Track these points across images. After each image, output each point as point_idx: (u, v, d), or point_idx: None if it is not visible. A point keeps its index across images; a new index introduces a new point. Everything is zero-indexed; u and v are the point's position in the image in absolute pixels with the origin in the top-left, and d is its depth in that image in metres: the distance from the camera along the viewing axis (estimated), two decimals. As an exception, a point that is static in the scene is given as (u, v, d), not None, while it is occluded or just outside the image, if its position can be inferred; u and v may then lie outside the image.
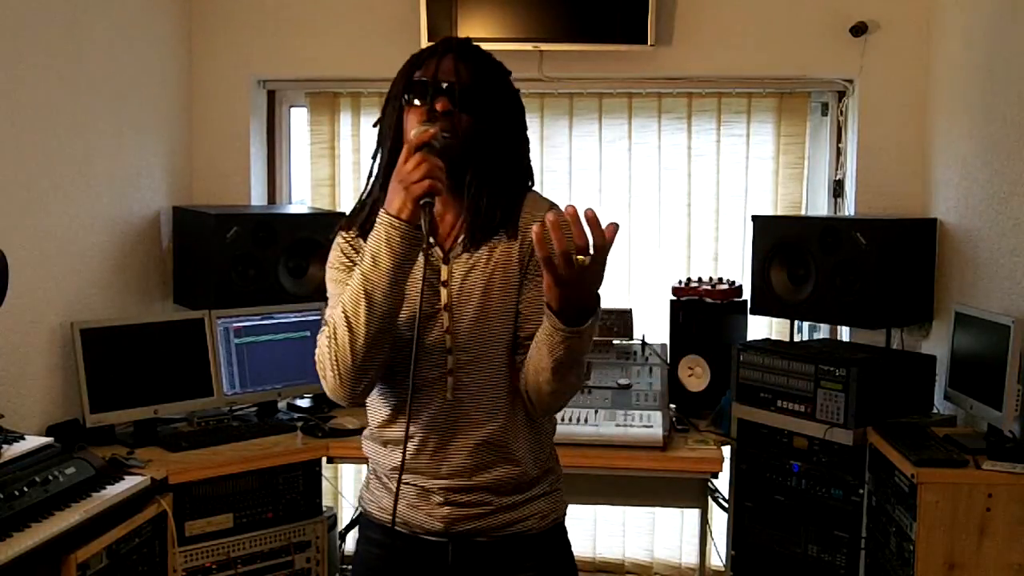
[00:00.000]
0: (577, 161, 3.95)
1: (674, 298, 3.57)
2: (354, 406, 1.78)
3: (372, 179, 1.78)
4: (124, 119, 3.45)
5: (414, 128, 1.63)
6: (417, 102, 1.67)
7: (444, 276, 1.69)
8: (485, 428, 1.72)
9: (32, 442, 2.51)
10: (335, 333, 1.63)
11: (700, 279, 3.60)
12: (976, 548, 2.45)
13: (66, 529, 2.32)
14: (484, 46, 3.88)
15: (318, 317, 3.51)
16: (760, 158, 3.87)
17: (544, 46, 3.70)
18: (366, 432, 1.87)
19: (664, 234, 3.92)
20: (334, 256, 1.77)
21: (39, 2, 2.96)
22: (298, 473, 3.09)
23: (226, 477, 2.93)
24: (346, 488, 4.08)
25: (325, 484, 3.29)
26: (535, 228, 1.48)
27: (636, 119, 3.90)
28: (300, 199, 4.21)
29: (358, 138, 4.02)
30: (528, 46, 3.68)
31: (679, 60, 3.76)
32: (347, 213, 1.84)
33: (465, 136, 1.67)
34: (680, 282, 3.60)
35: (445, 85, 1.66)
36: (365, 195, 1.78)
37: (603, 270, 1.57)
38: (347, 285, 1.65)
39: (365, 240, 1.65)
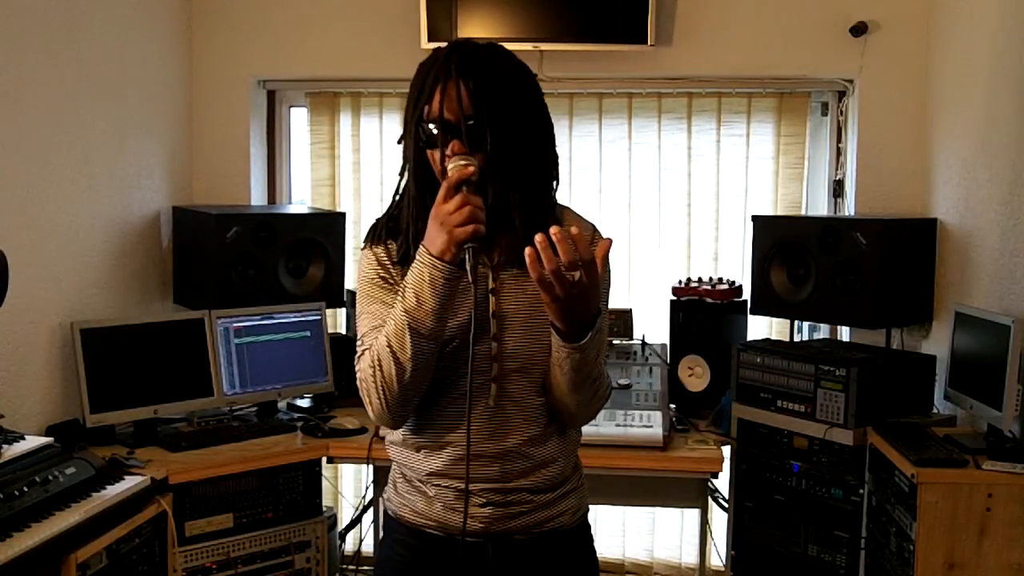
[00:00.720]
0: (577, 161, 3.95)
1: (674, 298, 3.57)
2: (397, 428, 1.81)
3: (399, 197, 1.79)
4: (124, 119, 3.45)
5: (444, 161, 1.65)
6: (432, 145, 1.68)
7: (492, 285, 1.70)
8: (525, 433, 1.76)
9: (32, 442, 2.51)
10: (379, 364, 1.67)
11: (700, 279, 3.60)
12: (976, 548, 2.45)
13: (66, 529, 2.32)
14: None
15: (318, 317, 3.51)
16: (760, 158, 3.87)
17: (544, 46, 3.70)
18: (394, 437, 1.85)
19: (664, 234, 3.92)
20: (367, 271, 1.78)
21: (39, 2, 2.96)
22: (298, 473, 3.10)
23: (226, 477, 2.93)
24: (346, 488, 4.08)
25: (325, 484, 3.29)
26: (527, 251, 1.50)
27: (636, 119, 3.91)
28: (300, 199, 4.21)
29: (358, 138, 4.02)
30: (528, 46, 3.68)
31: (679, 60, 3.76)
32: (372, 225, 1.83)
33: (484, 169, 1.65)
34: (680, 282, 3.60)
35: (458, 126, 1.65)
36: (395, 211, 1.79)
37: (596, 285, 1.58)
38: (381, 302, 1.72)
39: (399, 262, 1.72)
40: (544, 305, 1.60)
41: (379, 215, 1.84)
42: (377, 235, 1.80)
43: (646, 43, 3.62)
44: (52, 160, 3.04)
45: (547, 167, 1.82)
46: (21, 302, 2.84)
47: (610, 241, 1.61)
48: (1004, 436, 2.63)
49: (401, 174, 1.79)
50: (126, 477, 2.65)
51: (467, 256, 1.58)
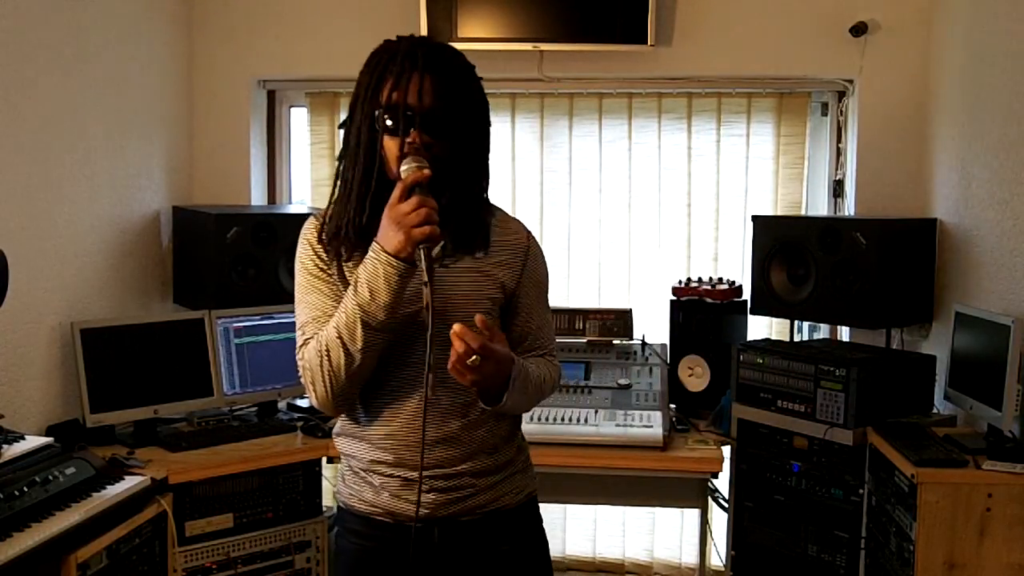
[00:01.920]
0: (577, 161, 3.95)
1: (674, 298, 3.57)
2: (337, 414, 1.91)
3: (339, 187, 1.82)
4: (124, 119, 3.45)
5: (398, 159, 1.70)
6: (390, 131, 1.72)
7: (425, 278, 1.69)
8: (463, 419, 1.82)
9: (32, 442, 2.51)
10: (328, 353, 1.74)
11: (700, 279, 3.60)
12: (976, 548, 2.45)
13: (66, 529, 2.32)
14: (484, 46, 3.89)
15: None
16: (760, 158, 3.87)
17: (544, 46, 3.70)
18: (339, 428, 1.94)
19: (664, 234, 3.92)
20: (305, 260, 1.83)
21: (40, 3, 2.96)
22: (298, 473, 3.10)
23: (226, 477, 2.93)
24: (346, 488, 4.07)
25: (325, 484, 3.28)
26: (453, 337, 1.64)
27: (636, 119, 3.91)
28: (300, 199, 4.21)
29: (358, 138, 4.02)
30: (528, 46, 3.68)
31: (679, 60, 3.76)
32: (314, 214, 1.88)
33: (440, 162, 1.72)
34: (680, 282, 3.60)
35: (417, 113, 1.71)
36: (334, 202, 1.83)
37: (495, 362, 1.70)
38: (321, 293, 1.79)
39: (334, 249, 1.78)
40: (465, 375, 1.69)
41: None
42: (318, 219, 1.84)
43: (646, 43, 3.62)
44: (52, 160, 3.04)
45: (487, 165, 1.88)
46: (21, 302, 2.84)
47: (482, 317, 1.71)
48: (1004, 436, 2.63)
49: (340, 160, 1.82)
50: (126, 477, 2.65)
51: (422, 255, 1.65)
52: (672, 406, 3.43)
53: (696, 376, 3.50)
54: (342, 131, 1.82)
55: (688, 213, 3.89)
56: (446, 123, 1.73)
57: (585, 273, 3.97)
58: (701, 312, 3.50)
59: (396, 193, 1.66)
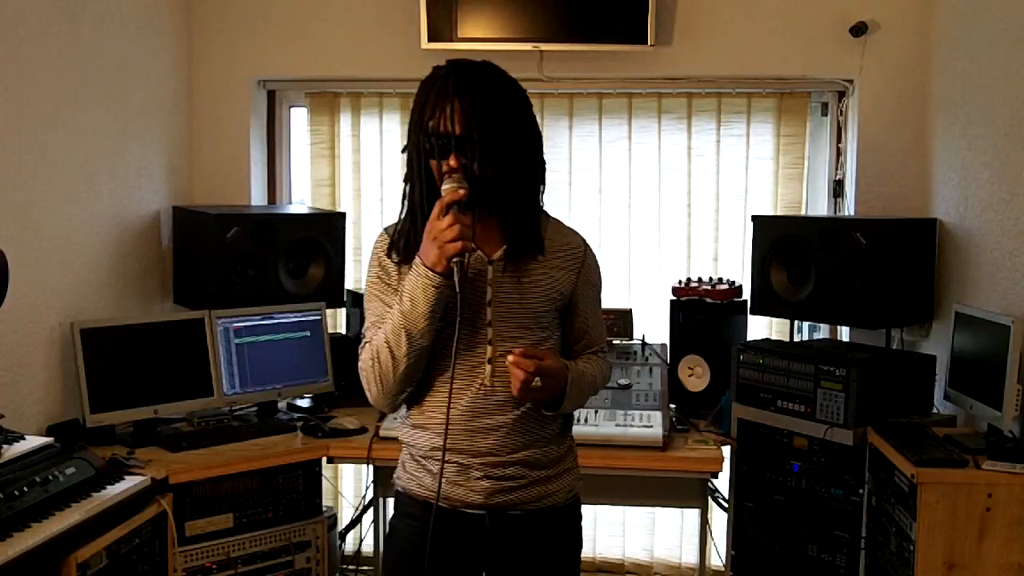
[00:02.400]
0: (577, 161, 3.95)
1: (674, 298, 3.57)
2: (394, 411, 2.07)
3: (405, 206, 1.99)
4: (124, 119, 3.45)
5: (443, 179, 1.87)
6: (431, 155, 1.89)
7: (490, 276, 1.93)
8: (517, 412, 1.96)
9: (32, 442, 2.51)
10: (378, 356, 1.92)
11: (700, 279, 3.59)
12: (976, 548, 2.45)
13: (66, 529, 2.31)
14: (484, 46, 3.89)
15: (318, 317, 3.51)
16: (760, 158, 3.87)
17: (544, 46, 3.70)
18: (401, 418, 2.08)
19: (664, 234, 3.92)
20: (372, 270, 2.03)
21: (40, 3, 2.96)
22: (298, 473, 3.10)
23: (226, 477, 2.93)
24: (346, 488, 4.08)
25: (325, 484, 3.29)
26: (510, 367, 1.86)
27: (636, 119, 3.91)
28: (300, 199, 4.21)
29: (358, 138, 4.02)
30: (528, 46, 3.68)
31: (679, 60, 3.76)
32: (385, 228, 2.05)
33: (481, 180, 1.87)
34: (680, 282, 3.60)
35: (451, 139, 1.86)
36: (401, 220, 1.99)
37: (551, 377, 1.91)
38: (383, 302, 1.97)
39: (403, 263, 1.95)
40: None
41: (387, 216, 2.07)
42: (388, 233, 2.02)
43: (646, 43, 3.62)
44: (52, 160, 3.04)
45: (535, 174, 2.02)
46: (21, 302, 2.84)
47: (522, 349, 1.89)
48: (1004, 436, 2.63)
49: (405, 181, 1.98)
50: (126, 477, 2.65)
51: (455, 268, 1.82)
52: (672, 406, 3.43)
53: (696, 376, 3.50)
54: (404, 154, 1.98)
55: (688, 213, 3.89)
56: (479, 145, 1.86)
57: (585, 273, 3.97)
58: (701, 312, 3.50)
59: (435, 212, 1.84)
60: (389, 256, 1.98)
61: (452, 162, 1.86)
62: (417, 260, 1.87)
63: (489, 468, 1.95)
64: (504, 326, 1.94)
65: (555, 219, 2.11)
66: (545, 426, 2.01)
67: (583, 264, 2.07)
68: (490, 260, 1.96)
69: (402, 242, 1.96)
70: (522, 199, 1.99)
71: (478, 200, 1.88)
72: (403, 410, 2.05)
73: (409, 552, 2.00)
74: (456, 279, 1.83)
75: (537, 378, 1.86)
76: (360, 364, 1.97)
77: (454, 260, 1.82)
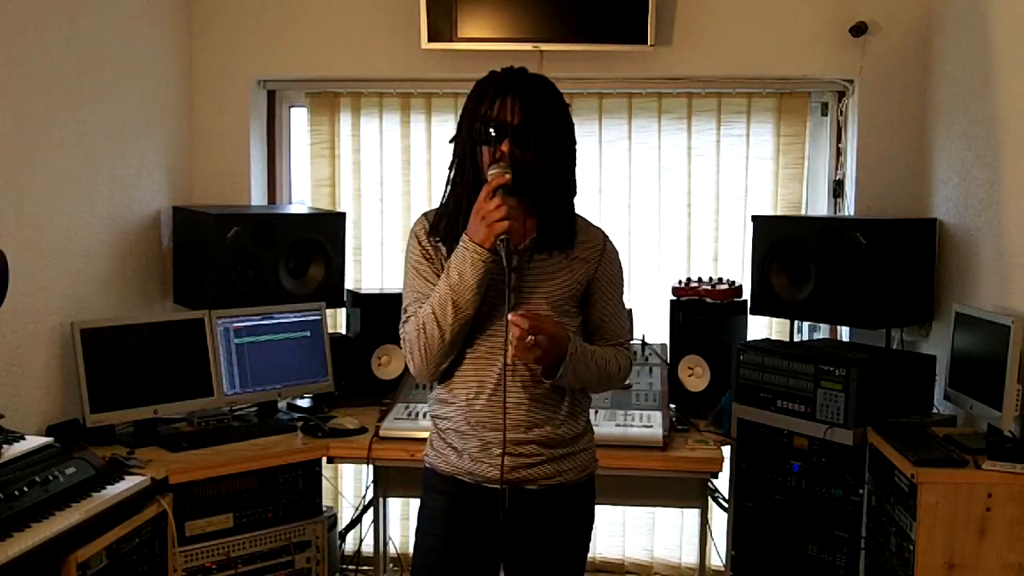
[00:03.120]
0: (577, 161, 3.94)
1: (674, 298, 3.57)
2: (432, 381, 2.20)
3: (449, 189, 2.16)
4: (124, 119, 3.45)
5: (490, 165, 2.05)
6: (486, 140, 2.07)
7: (515, 263, 2.09)
8: (536, 391, 2.12)
9: (32, 442, 2.51)
10: (424, 327, 2.07)
11: (700, 279, 3.59)
12: (976, 548, 2.45)
13: (66, 529, 2.31)
14: (484, 46, 3.90)
15: (318, 317, 3.51)
16: (760, 158, 3.87)
17: (544, 46, 3.70)
18: (433, 396, 2.24)
19: (664, 234, 3.92)
20: (415, 254, 2.18)
21: (39, 2, 2.96)
22: (298, 473, 3.10)
23: (226, 477, 2.93)
24: (346, 488, 4.08)
25: (325, 484, 3.29)
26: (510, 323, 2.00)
27: (636, 119, 3.91)
28: (300, 199, 4.21)
29: (358, 138, 4.02)
30: (528, 46, 3.68)
31: (679, 60, 3.76)
32: (428, 212, 2.23)
33: (525, 170, 2.06)
34: (680, 282, 3.60)
35: (508, 127, 2.05)
36: (444, 202, 2.17)
37: (548, 337, 2.03)
38: (425, 279, 2.13)
39: (443, 243, 2.13)
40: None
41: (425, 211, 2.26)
42: (427, 217, 2.19)
43: (646, 43, 3.62)
44: (52, 160, 3.04)
45: (572, 177, 2.21)
46: (21, 302, 2.84)
47: (518, 315, 2.02)
48: (1004, 436, 2.63)
49: (450, 168, 2.16)
50: (126, 477, 2.65)
51: (501, 245, 2.01)
52: (672, 406, 3.43)
53: (696, 376, 3.50)
54: (452, 144, 2.17)
55: (688, 213, 3.89)
56: (532, 137, 2.06)
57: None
58: (701, 312, 3.50)
59: (483, 193, 2.02)
60: (431, 237, 2.15)
61: (504, 148, 2.04)
62: (465, 238, 2.04)
63: (509, 445, 2.09)
64: (525, 309, 2.07)
65: (581, 217, 2.27)
66: (561, 406, 2.16)
67: (602, 257, 2.23)
68: (516, 249, 2.11)
69: (443, 223, 2.13)
70: (558, 196, 2.17)
71: (520, 188, 2.05)
72: (435, 388, 2.22)
73: (441, 524, 2.18)
74: (503, 254, 2.01)
75: (532, 337, 1.98)
76: (404, 335, 2.13)
77: (501, 238, 2.00)
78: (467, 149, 2.11)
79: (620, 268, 2.30)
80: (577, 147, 2.21)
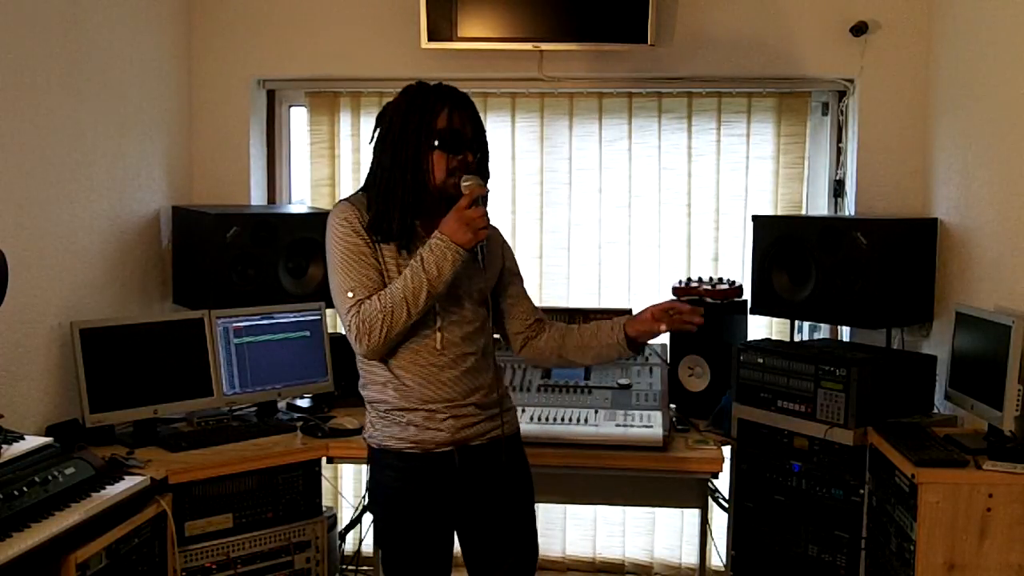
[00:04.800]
0: (577, 161, 3.95)
1: (674, 298, 3.56)
2: (379, 357, 2.33)
3: (383, 188, 2.32)
4: (124, 119, 3.45)
5: (448, 172, 2.28)
6: (452, 149, 2.27)
7: (482, 264, 2.34)
8: (465, 366, 2.35)
9: (32, 442, 2.51)
10: (391, 311, 2.22)
11: (700, 279, 3.59)
12: (976, 548, 2.45)
13: (66, 529, 2.31)
14: (484, 46, 3.91)
15: (318, 317, 3.51)
16: (760, 158, 3.87)
17: (544, 46, 3.70)
18: (366, 381, 2.40)
19: (664, 234, 3.92)
20: (351, 242, 2.29)
21: (39, 2, 2.95)
22: (298, 473, 3.09)
23: (226, 477, 2.93)
24: (346, 488, 4.08)
25: (325, 484, 3.28)
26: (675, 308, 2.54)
27: (636, 119, 3.90)
28: (300, 199, 4.21)
29: (358, 138, 4.02)
30: (528, 46, 3.68)
31: (679, 60, 3.76)
32: (348, 198, 2.40)
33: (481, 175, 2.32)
34: (680, 282, 3.59)
35: (467, 139, 2.29)
36: (374, 197, 2.33)
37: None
38: (370, 265, 2.27)
39: (376, 234, 2.28)
40: (647, 331, 2.52)
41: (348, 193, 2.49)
42: (357, 208, 2.32)
43: (646, 43, 3.62)
44: (52, 160, 3.04)
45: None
46: (21, 302, 2.84)
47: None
48: (1004, 436, 2.63)
49: (385, 167, 2.32)
50: (126, 477, 2.64)
51: (478, 248, 2.26)
52: (672, 406, 3.43)
53: (696, 376, 3.50)
54: (372, 146, 2.38)
55: (688, 213, 3.89)
56: (481, 149, 2.33)
57: (585, 273, 3.97)
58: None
59: (464, 202, 2.22)
60: (367, 233, 2.29)
61: (469, 157, 2.28)
62: (445, 238, 2.21)
63: (452, 409, 2.33)
64: (447, 301, 2.31)
65: None
66: (486, 376, 2.40)
67: (503, 247, 2.55)
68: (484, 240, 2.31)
69: (384, 224, 2.29)
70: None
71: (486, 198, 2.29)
72: (364, 376, 2.40)
73: (396, 500, 2.38)
74: (481, 256, 2.29)
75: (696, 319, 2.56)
76: (361, 316, 2.24)
77: (479, 244, 2.25)
78: (411, 153, 2.27)
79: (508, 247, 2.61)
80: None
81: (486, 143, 2.37)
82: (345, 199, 2.40)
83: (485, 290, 2.44)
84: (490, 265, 2.44)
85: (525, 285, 2.61)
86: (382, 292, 2.25)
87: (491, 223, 2.33)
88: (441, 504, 2.38)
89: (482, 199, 2.25)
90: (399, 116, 2.30)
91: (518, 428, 2.54)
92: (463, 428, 2.35)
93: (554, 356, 2.55)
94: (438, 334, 2.32)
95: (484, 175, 2.35)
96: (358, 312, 2.26)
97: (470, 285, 2.37)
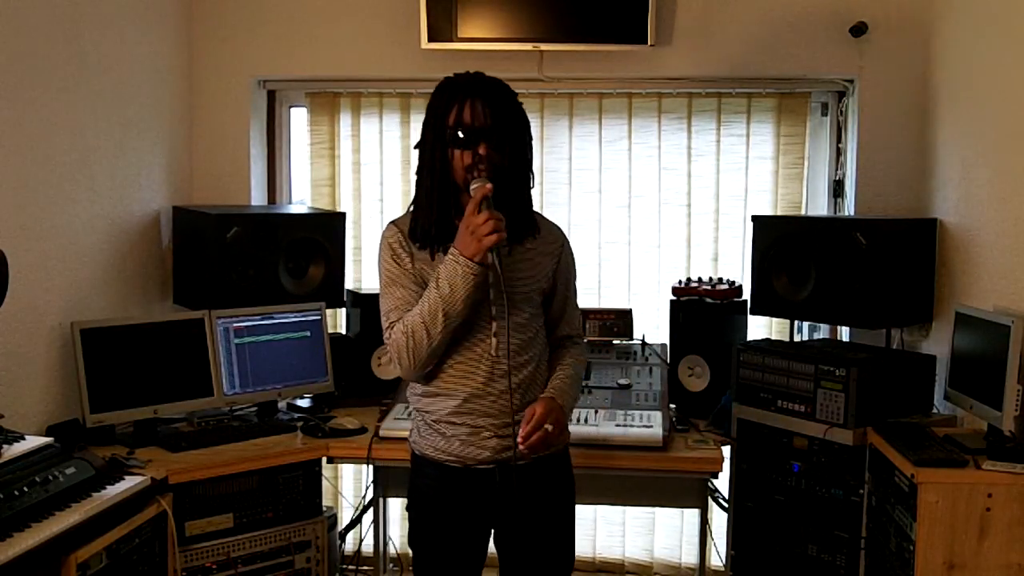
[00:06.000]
0: (577, 161, 3.95)
1: (674, 298, 3.57)
2: (418, 381, 2.32)
3: (420, 194, 2.26)
4: (124, 119, 3.45)
5: (465, 168, 2.16)
6: (460, 144, 2.17)
7: (491, 260, 2.15)
8: (517, 378, 2.26)
9: (32, 442, 2.51)
10: (412, 334, 2.19)
11: (700, 279, 3.59)
12: (976, 548, 2.45)
13: (66, 529, 2.31)
14: (484, 46, 3.91)
15: (318, 317, 3.51)
16: (760, 158, 3.87)
17: (544, 46, 3.70)
18: (415, 388, 2.35)
19: (664, 234, 3.92)
20: (388, 264, 2.28)
21: (39, 3, 2.96)
22: (298, 473, 3.10)
23: (226, 477, 2.93)
24: (346, 488, 4.08)
25: (325, 484, 3.28)
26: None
27: (636, 119, 3.91)
28: (300, 199, 4.21)
29: (358, 138, 4.02)
30: (528, 46, 3.68)
31: (679, 60, 3.76)
32: (396, 219, 2.35)
33: (498, 169, 2.18)
34: (680, 282, 3.60)
35: (482, 130, 2.16)
36: (414, 208, 2.28)
37: (557, 415, 2.26)
38: (402, 287, 2.25)
39: (422, 248, 2.24)
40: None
41: (394, 213, 2.37)
42: (398, 225, 2.30)
43: (646, 43, 3.62)
44: (52, 160, 3.04)
45: (530, 169, 2.31)
46: (21, 302, 2.84)
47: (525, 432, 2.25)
48: (1004, 436, 2.63)
49: (419, 173, 2.26)
50: (126, 477, 2.65)
51: (492, 256, 2.12)
52: (672, 406, 3.43)
53: (696, 376, 3.50)
54: (416, 151, 2.28)
55: (688, 213, 3.89)
56: (503, 138, 2.18)
57: (585, 273, 3.96)
58: (701, 312, 3.50)
59: (470, 208, 2.12)
60: (405, 245, 2.26)
61: (482, 150, 2.15)
62: (454, 251, 2.14)
63: (497, 428, 2.25)
64: (503, 305, 2.20)
65: (539, 213, 2.41)
66: (537, 390, 2.31)
67: (562, 252, 2.41)
68: (507, 244, 2.22)
69: (419, 229, 2.24)
70: (523, 189, 2.28)
71: (503, 194, 2.17)
72: (418, 384, 2.33)
73: (433, 508, 2.34)
74: (497, 264, 2.13)
75: (548, 426, 2.19)
76: (391, 341, 2.24)
77: (491, 250, 2.11)
78: (437, 153, 2.20)
79: (575, 264, 2.48)
80: (533, 143, 2.33)
81: (513, 128, 2.21)
82: (394, 219, 2.35)
83: (538, 292, 2.35)
84: (536, 266, 2.34)
85: (572, 298, 2.48)
86: (407, 314, 2.21)
87: (504, 224, 2.19)
88: (478, 516, 2.34)
89: (488, 200, 2.11)
90: (427, 116, 2.25)
91: (567, 445, 2.45)
92: (507, 449, 2.26)
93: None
94: (494, 339, 2.24)
95: (517, 163, 2.22)
96: (390, 336, 2.25)
97: (528, 287, 2.29)
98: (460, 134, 2.16)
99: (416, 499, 2.40)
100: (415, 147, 2.28)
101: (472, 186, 2.15)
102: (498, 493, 2.29)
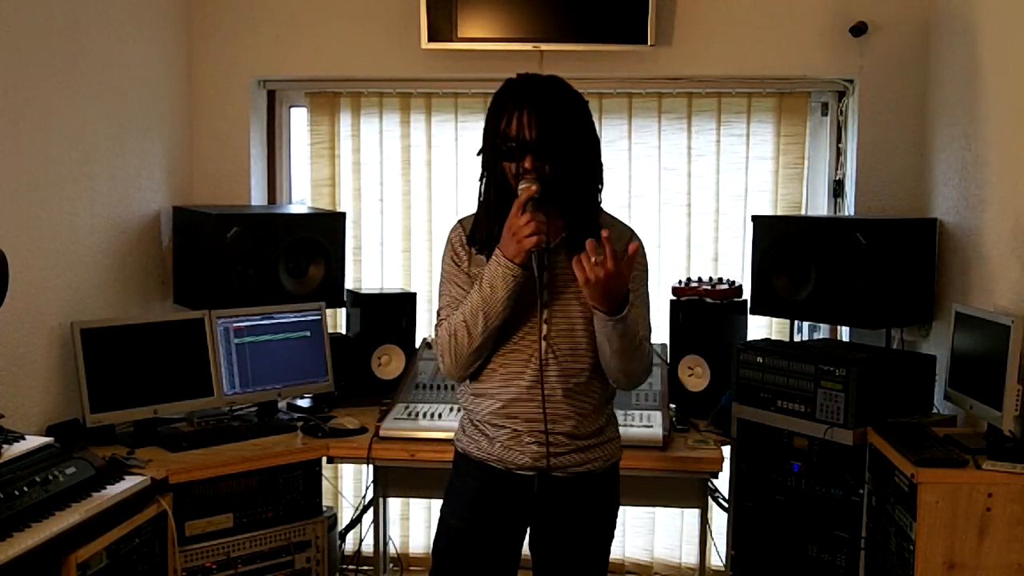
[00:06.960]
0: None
1: (674, 298, 3.57)
2: (463, 381, 2.30)
3: (481, 200, 2.25)
4: (124, 119, 3.45)
5: (515, 178, 2.13)
6: (507, 157, 2.14)
7: (545, 263, 2.16)
8: (566, 385, 2.20)
9: (32, 442, 2.51)
10: (455, 334, 2.18)
11: (700, 279, 3.59)
12: (976, 548, 2.45)
13: (66, 529, 2.32)
14: (484, 46, 3.89)
15: (318, 317, 3.51)
16: (760, 158, 3.87)
17: (544, 46, 3.70)
18: (465, 386, 2.31)
19: (664, 234, 3.92)
20: (447, 261, 2.29)
21: (39, 2, 2.96)
22: (298, 473, 3.10)
23: (226, 477, 2.93)
24: (346, 488, 4.08)
25: (325, 484, 3.29)
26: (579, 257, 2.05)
27: (636, 119, 3.90)
28: (300, 199, 4.21)
29: (358, 138, 4.02)
30: (528, 46, 3.68)
31: (679, 60, 3.76)
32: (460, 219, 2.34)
33: (550, 180, 2.14)
34: (680, 282, 3.60)
35: (527, 144, 2.12)
36: (475, 214, 2.26)
37: (621, 274, 2.06)
38: (457, 285, 2.24)
39: (480, 252, 2.22)
40: (584, 292, 2.08)
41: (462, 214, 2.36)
42: (463, 224, 2.30)
43: (646, 43, 3.62)
44: (52, 160, 3.04)
45: (595, 175, 2.31)
46: (21, 302, 2.84)
47: (639, 245, 2.17)
48: (1004, 436, 2.63)
49: (480, 180, 2.25)
50: (126, 477, 2.65)
51: (532, 258, 2.10)
52: (672, 406, 3.43)
53: (696, 376, 3.50)
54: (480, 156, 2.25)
55: (688, 213, 3.89)
56: (550, 149, 2.12)
57: (585, 273, 3.96)
58: (701, 312, 3.50)
59: (513, 210, 2.10)
60: (466, 245, 2.25)
61: (527, 164, 2.11)
62: (497, 252, 2.13)
63: (539, 435, 2.19)
64: (556, 308, 2.19)
65: (608, 213, 2.37)
66: (588, 398, 2.23)
67: (625, 254, 2.22)
68: (546, 248, 2.16)
69: (477, 234, 2.23)
70: (582, 196, 2.24)
71: (549, 198, 2.14)
72: (467, 382, 2.29)
73: (471, 508, 2.29)
74: (535, 267, 2.10)
75: (600, 256, 2.02)
76: (436, 339, 2.25)
77: (532, 251, 2.08)
78: (491, 164, 2.19)
79: (646, 265, 2.36)
80: (600, 142, 2.31)
81: (562, 138, 2.14)
82: (461, 218, 2.34)
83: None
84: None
85: (639, 302, 2.28)
86: (453, 314, 2.20)
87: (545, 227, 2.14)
88: (515, 520, 2.30)
89: (533, 202, 2.08)
90: (485, 121, 2.22)
91: (616, 461, 2.36)
92: (545, 457, 2.21)
93: (608, 373, 2.26)
94: (544, 343, 2.19)
95: (569, 171, 2.16)
96: (437, 334, 2.25)
97: (575, 287, 2.17)
98: (506, 147, 2.15)
99: (454, 501, 2.34)
100: (477, 154, 2.25)
101: (520, 187, 2.13)
102: (536, 503, 2.25)
